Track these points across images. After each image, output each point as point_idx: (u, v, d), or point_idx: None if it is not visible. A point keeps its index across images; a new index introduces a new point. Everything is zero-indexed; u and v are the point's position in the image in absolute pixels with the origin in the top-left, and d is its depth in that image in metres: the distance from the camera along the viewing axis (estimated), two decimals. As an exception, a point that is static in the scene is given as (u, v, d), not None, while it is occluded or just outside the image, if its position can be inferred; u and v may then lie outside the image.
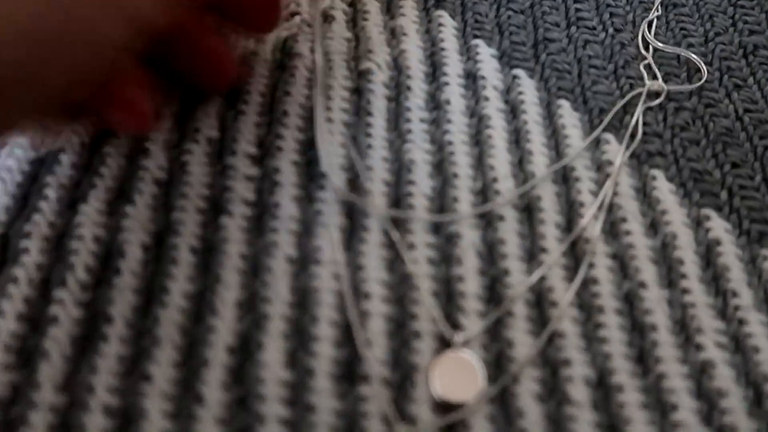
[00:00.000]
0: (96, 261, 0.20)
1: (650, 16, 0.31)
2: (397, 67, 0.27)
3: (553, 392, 0.20)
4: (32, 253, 0.20)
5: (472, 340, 0.21)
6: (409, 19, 0.29)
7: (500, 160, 0.25)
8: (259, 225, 0.21)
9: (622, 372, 0.20)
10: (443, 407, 0.19)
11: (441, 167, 0.24)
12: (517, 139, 0.26)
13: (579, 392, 0.20)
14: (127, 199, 0.21)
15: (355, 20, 0.29)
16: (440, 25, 0.29)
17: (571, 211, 0.24)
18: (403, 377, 0.19)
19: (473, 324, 0.21)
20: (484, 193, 0.24)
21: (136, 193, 0.21)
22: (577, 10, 0.31)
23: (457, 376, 0.20)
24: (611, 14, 0.31)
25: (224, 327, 0.19)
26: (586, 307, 0.22)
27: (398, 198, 0.23)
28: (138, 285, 0.20)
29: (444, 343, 0.20)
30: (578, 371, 0.20)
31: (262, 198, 0.22)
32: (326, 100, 0.25)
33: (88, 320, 0.19)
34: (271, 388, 0.18)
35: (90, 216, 0.21)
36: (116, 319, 0.19)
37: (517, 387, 0.20)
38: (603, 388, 0.20)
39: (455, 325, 0.21)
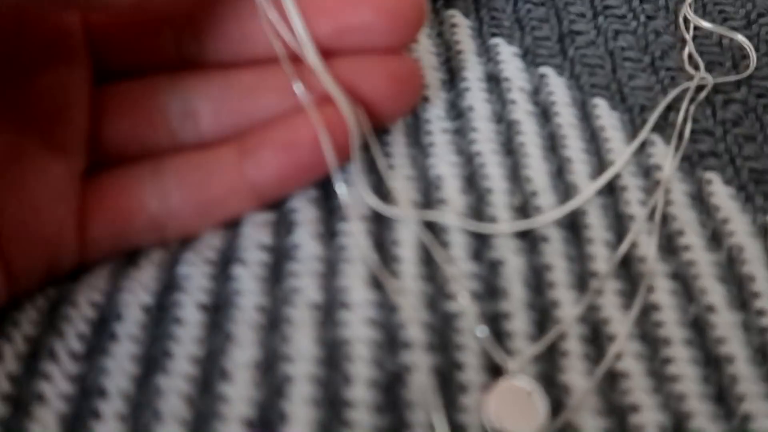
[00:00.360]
0: (90, 327, 0.17)
1: (686, -1, 0.28)
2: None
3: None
4: (22, 325, 0.17)
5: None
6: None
7: (537, 170, 0.22)
8: (277, 271, 0.18)
9: (701, 415, 0.18)
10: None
11: (473, 181, 0.22)
12: (553, 145, 0.23)
13: (654, 443, 0.17)
14: (129, 259, 0.19)
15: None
16: (453, 25, 0.26)
17: (620, 226, 0.21)
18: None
19: (525, 369, 0.18)
20: (524, 209, 0.21)
21: (142, 255, 0.19)
22: (604, -3, 0.28)
23: (514, 408, 0.17)
24: (641, 0, 0.28)
25: (239, 395, 0.16)
26: (650, 339, 0.19)
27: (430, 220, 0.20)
28: (138, 351, 0.17)
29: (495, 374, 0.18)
30: (649, 417, 0.18)
31: (279, 240, 0.19)
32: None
33: (79, 396, 0.16)
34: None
35: (88, 281, 0.18)
36: (112, 393, 0.16)
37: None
38: (682, 436, 0.17)
39: (500, 370, 0.18)
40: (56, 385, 0.16)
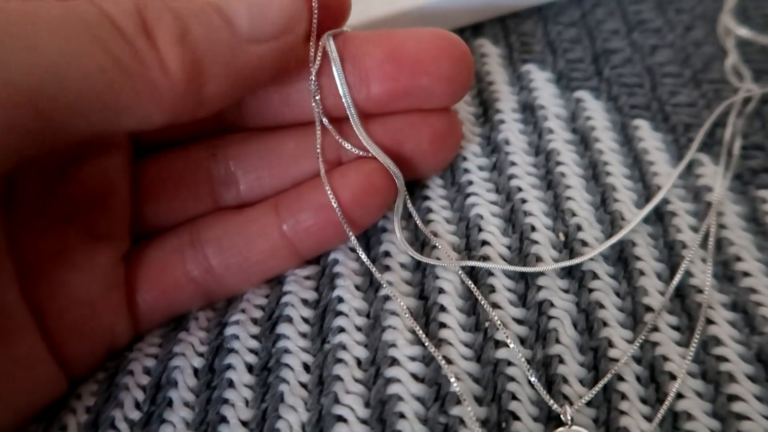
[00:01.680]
0: (145, 394, 0.17)
1: (728, 3, 0.27)
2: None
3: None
4: (84, 397, 0.17)
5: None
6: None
7: (580, 202, 0.22)
8: (322, 327, 0.18)
9: (774, 458, 0.17)
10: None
11: (514, 219, 0.21)
12: (595, 174, 0.22)
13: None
14: (178, 322, 0.19)
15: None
16: (483, 55, 0.26)
17: (671, 255, 0.21)
18: None
19: (580, 416, 0.18)
20: (569, 245, 0.21)
21: (191, 319, 0.19)
22: (637, 12, 0.27)
23: None
24: (677, 10, 0.27)
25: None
26: (712, 375, 0.18)
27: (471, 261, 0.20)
28: (192, 417, 0.17)
29: (551, 423, 0.17)
30: (719, 462, 0.17)
31: (322, 295, 0.19)
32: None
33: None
34: None
35: (142, 349, 0.18)
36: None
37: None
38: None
39: (557, 418, 0.18)
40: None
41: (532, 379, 0.18)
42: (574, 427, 0.17)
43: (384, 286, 0.19)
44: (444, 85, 0.19)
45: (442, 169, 0.22)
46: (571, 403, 0.18)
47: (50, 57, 0.12)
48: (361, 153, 0.19)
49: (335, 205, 0.18)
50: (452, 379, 0.17)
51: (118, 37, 0.13)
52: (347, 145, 0.19)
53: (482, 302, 0.19)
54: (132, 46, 0.13)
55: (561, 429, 0.17)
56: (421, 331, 0.18)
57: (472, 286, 0.19)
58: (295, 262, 0.19)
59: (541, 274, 0.20)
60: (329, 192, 0.18)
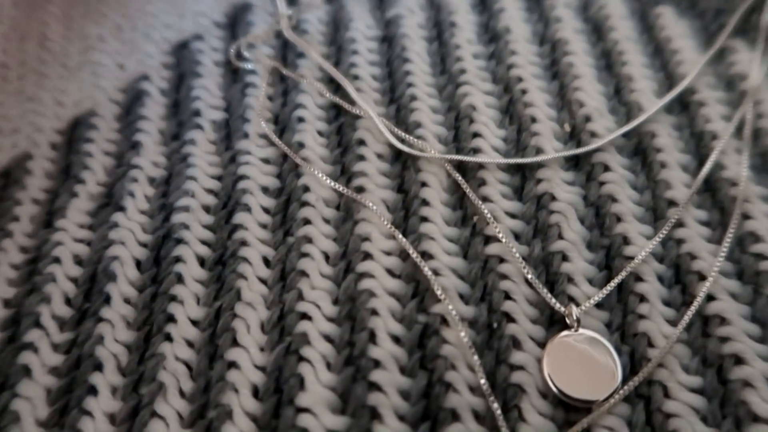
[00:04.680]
0: (78, 289, 0.15)
1: None
2: (434, 5, 0.21)
3: (726, 405, 0.14)
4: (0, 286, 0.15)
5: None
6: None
7: (590, 92, 0.19)
8: (285, 217, 0.16)
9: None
10: (565, 405, 0.14)
11: (512, 110, 0.18)
12: (608, 63, 0.20)
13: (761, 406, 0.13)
14: (115, 206, 0.17)
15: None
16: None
17: (699, 146, 0.18)
18: (508, 381, 0.14)
19: (589, 319, 0.15)
20: (576, 137, 0.18)
21: (127, 196, 0.17)
22: None
23: (580, 367, 0.14)
24: None
25: (249, 363, 0.14)
26: (749, 276, 0.15)
27: (460, 154, 0.17)
28: (134, 316, 0.15)
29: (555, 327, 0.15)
30: (756, 371, 0.14)
31: (286, 183, 0.17)
32: (349, 55, 0.20)
33: (69, 369, 0.14)
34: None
35: (70, 232, 0.16)
36: (106, 365, 0.14)
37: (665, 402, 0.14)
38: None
39: (561, 321, 0.15)
40: (43, 358, 0.14)
41: (529, 276, 0.15)
42: (581, 330, 0.15)
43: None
44: None
45: None
46: (577, 304, 0.15)
47: None
48: None
49: None
50: (426, 271, 0.15)
51: None
52: None
53: (469, 194, 0.16)
54: None
55: (566, 332, 0.15)
56: (389, 225, 0.16)
57: (459, 178, 0.17)
58: None
59: (541, 166, 0.17)
60: None
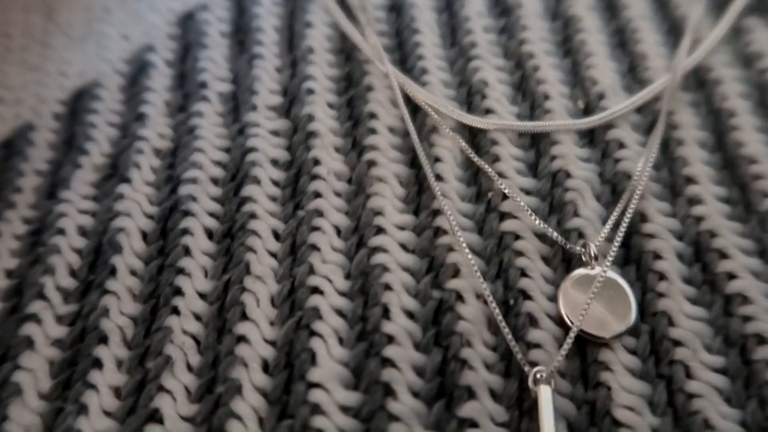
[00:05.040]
0: (83, 260, 0.15)
1: None
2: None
3: (750, 386, 0.13)
4: (2, 256, 0.15)
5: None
6: None
7: (604, 69, 0.18)
8: (295, 190, 0.16)
9: None
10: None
11: (524, 87, 0.18)
12: (622, 41, 0.19)
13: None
14: (121, 177, 0.16)
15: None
16: None
17: (718, 123, 0.17)
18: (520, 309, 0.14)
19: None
20: (590, 115, 0.18)
21: (132, 168, 0.16)
22: None
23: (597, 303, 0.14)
24: None
25: (259, 337, 0.14)
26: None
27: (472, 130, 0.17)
28: (140, 288, 0.15)
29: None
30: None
31: (296, 155, 0.16)
32: (357, 24, 0.19)
33: (73, 341, 0.14)
34: (335, 416, 0.13)
35: (74, 203, 0.16)
36: (112, 337, 0.14)
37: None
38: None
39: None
40: (47, 330, 0.14)
41: (540, 223, 0.15)
42: (597, 268, 0.15)
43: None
44: None
45: None
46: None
47: None
48: None
49: None
50: (463, 246, 0.14)
51: None
52: None
53: (486, 168, 0.16)
54: None
55: (580, 270, 0.15)
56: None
57: (473, 154, 0.16)
58: None
59: (556, 143, 0.17)
60: None
